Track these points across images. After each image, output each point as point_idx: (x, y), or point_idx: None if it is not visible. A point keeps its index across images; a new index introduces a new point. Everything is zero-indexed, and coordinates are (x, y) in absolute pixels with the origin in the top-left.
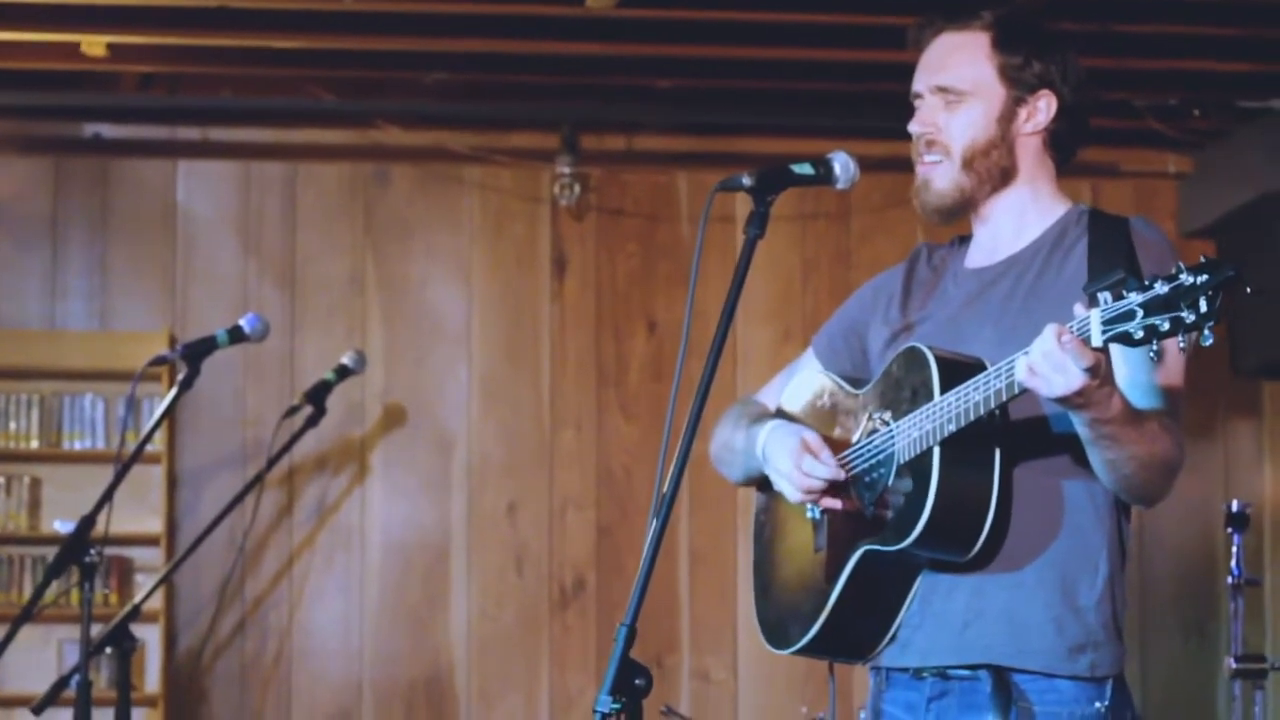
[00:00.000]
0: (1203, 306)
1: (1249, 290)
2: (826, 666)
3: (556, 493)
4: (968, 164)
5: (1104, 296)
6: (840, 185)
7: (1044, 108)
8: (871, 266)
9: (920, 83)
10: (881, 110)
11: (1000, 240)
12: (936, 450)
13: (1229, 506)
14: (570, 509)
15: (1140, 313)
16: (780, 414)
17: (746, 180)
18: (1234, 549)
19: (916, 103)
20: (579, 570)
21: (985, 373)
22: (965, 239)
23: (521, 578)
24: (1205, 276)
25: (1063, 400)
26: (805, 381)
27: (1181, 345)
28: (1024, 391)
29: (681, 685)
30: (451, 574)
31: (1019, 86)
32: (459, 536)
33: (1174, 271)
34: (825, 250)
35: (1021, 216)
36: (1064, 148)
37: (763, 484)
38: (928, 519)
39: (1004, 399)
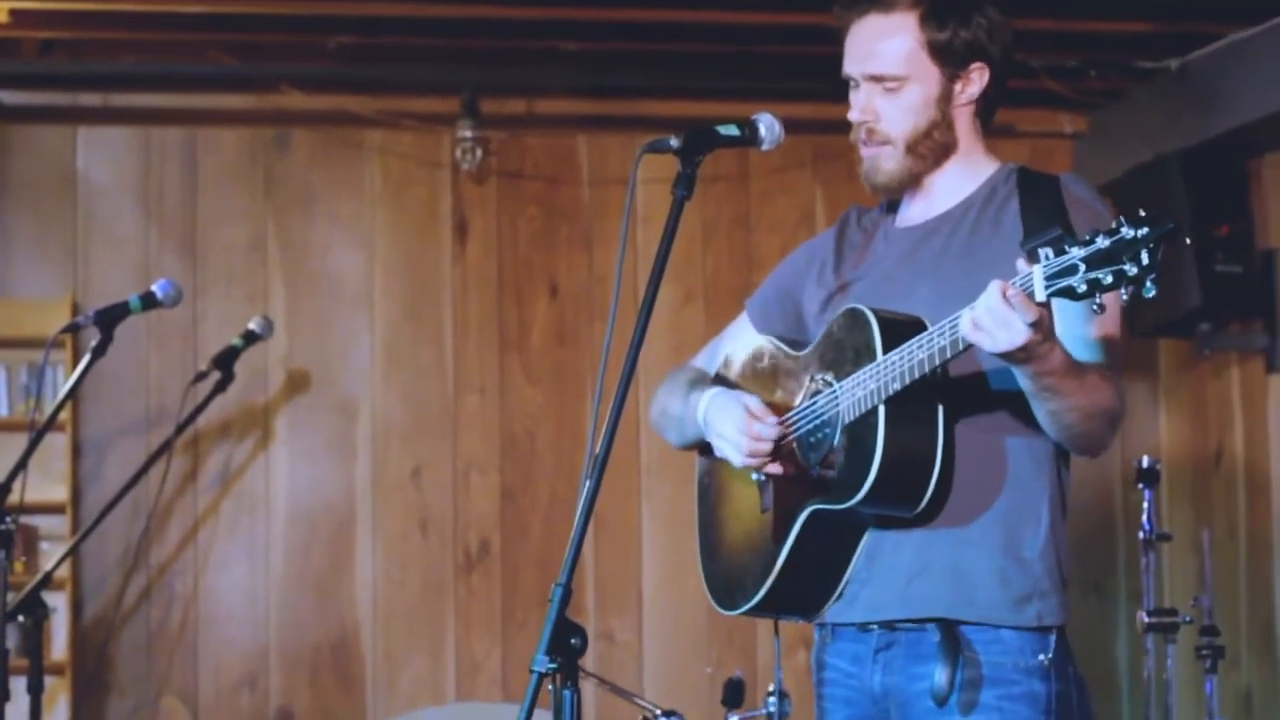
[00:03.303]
0: (1144, 259)
1: (1188, 241)
2: (731, 625)
3: (460, 457)
4: (912, 148)
5: (1045, 252)
6: (766, 146)
7: (977, 78)
8: (771, 228)
9: (853, 68)
10: (781, 72)
11: (934, 200)
12: (881, 409)
13: (1139, 463)
14: (474, 473)
15: (1083, 267)
16: (719, 379)
17: (674, 142)
18: (1145, 505)
19: (851, 86)
20: (483, 533)
21: (928, 331)
22: (895, 201)
23: (426, 541)
24: (1146, 230)
25: (1005, 355)
26: (744, 345)
27: (1124, 297)
28: (968, 348)
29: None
30: (356, 538)
31: (952, 63)
32: (363, 501)
33: (1114, 225)
34: (725, 212)
35: (956, 180)
36: (991, 107)
37: (705, 448)
38: (875, 476)
39: (948, 356)
